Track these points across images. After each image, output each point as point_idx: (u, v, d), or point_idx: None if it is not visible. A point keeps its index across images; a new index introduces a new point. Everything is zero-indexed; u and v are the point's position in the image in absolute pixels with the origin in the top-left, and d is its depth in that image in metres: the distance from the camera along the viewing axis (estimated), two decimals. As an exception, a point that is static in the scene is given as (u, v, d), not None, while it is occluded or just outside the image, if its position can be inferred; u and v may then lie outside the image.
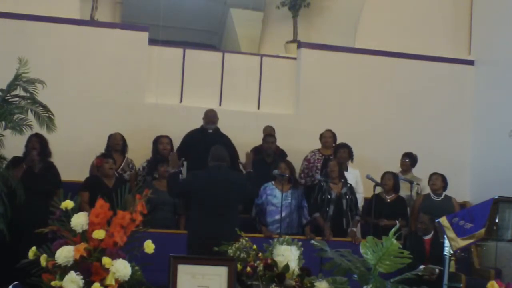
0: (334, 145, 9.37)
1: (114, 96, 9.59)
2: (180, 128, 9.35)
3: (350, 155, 9.25)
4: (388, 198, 8.90)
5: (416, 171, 9.44)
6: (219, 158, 7.02)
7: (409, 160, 9.42)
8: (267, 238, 7.21)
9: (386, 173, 9.06)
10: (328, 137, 9.39)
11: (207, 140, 8.99)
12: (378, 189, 8.73)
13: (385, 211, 8.64)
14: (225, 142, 9.09)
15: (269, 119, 9.87)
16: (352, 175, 9.13)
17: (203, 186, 6.79)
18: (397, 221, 8.45)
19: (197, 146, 8.82)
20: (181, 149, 8.94)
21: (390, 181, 8.91)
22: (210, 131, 9.21)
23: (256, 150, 9.30)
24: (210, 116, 9.25)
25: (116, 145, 8.81)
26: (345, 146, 9.20)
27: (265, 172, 8.38)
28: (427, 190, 9.13)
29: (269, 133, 9.39)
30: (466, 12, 10.86)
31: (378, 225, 8.44)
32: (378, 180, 8.75)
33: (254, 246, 5.00)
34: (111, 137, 8.87)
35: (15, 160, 7.73)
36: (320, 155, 9.34)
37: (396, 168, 9.34)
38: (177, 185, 6.99)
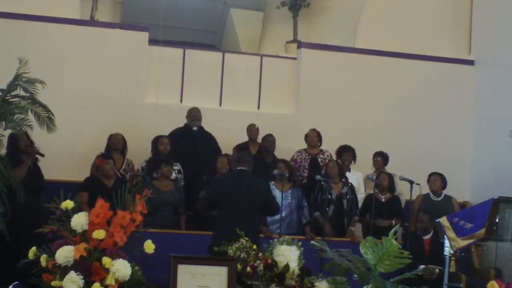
0: (319, 144, 9.38)
1: (114, 96, 9.60)
2: (180, 128, 9.35)
3: (353, 158, 9.28)
4: (383, 198, 8.90)
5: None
6: (244, 161, 7.17)
7: (381, 158, 9.43)
8: (267, 238, 7.20)
9: (381, 173, 9.08)
10: (313, 136, 9.38)
11: (192, 138, 9.09)
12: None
13: (380, 211, 8.64)
14: (210, 140, 9.16)
15: (269, 119, 9.88)
16: (355, 177, 9.14)
17: (227, 191, 7.00)
18: (393, 221, 8.52)
19: (183, 144, 8.91)
20: None
21: (385, 181, 8.92)
22: (195, 128, 9.24)
23: (240, 148, 9.31)
24: (194, 114, 9.28)
25: (118, 145, 8.78)
26: (349, 149, 9.24)
27: (264, 172, 8.38)
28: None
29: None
30: (466, 12, 10.87)
31: (376, 225, 8.45)
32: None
33: (254, 246, 4.99)
34: (112, 137, 8.84)
35: (13, 160, 7.66)
36: (307, 154, 9.32)
37: (396, 168, 9.32)
38: (204, 202, 7.27)
